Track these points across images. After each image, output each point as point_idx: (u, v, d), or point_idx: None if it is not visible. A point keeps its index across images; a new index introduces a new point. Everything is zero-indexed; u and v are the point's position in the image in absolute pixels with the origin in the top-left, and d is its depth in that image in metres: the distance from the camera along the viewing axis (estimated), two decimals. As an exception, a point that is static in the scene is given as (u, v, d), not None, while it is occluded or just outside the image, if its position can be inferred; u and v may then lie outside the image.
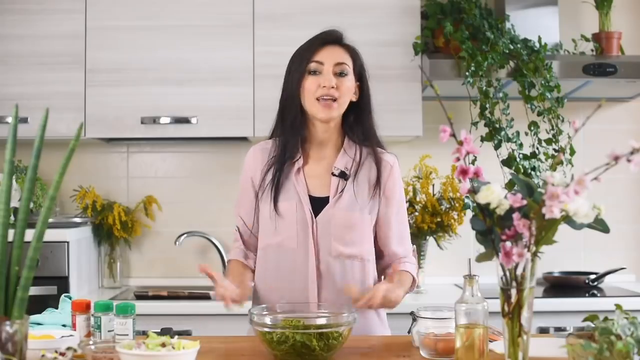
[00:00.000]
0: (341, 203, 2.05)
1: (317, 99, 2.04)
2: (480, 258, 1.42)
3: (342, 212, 2.05)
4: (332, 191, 2.07)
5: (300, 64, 2.07)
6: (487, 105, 3.06)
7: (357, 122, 2.13)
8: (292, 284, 2.05)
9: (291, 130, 2.09)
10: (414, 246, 2.20)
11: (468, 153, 1.35)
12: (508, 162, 3.05)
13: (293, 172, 2.08)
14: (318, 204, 2.07)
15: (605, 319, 1.42)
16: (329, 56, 2.06)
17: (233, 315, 2.79)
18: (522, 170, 3.01)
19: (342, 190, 2.06)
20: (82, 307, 1.81)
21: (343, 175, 2.08)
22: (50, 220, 2.84)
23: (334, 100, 2.04)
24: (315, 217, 2.05)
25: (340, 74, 2.05)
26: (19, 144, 1.42)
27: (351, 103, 2.11)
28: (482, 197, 1.34)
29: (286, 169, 2.09)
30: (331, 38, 2.10)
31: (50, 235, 2.58)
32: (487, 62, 3.00)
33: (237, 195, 2.19)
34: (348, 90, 2.07)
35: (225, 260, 3.31)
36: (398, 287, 1.97)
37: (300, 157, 2.10)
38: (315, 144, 2.12)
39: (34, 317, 1.91)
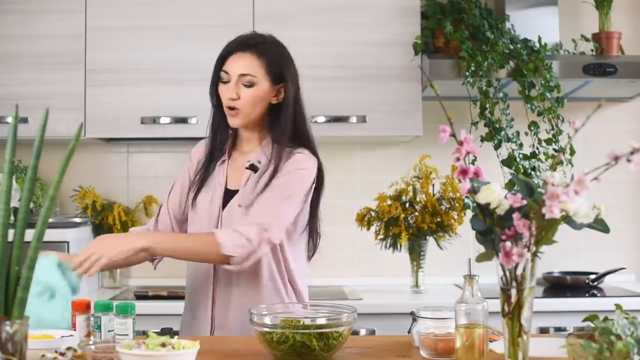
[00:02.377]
0: (243, 195, 2.07)
1: (227, 107, 2.07)
2: (480, 258, 1.42)
3: (241, 204, 2.06)
4: (242, 184, 2.10)
5: (214, 72, 2.12)
6: (487, 105, 3.05)
7: (275, 123, 2.11)
8: (196, 280, 2.11)
9: (217, 129, 2.16)
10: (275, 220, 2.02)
11: (468, 153, 1.34)
12: (508, 162, 3.05)
13: (217, 165, 2.13)
14: (233, 196, 2.10)
15: (605, 319, 1.41)
16: (234, 66, 2.06)
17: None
18: (522, 170, 3.01)
19: (246, 183, 2.08)
20: (82, 307, 1.81)
21: (253, 168, 2.10)
22: (50, 220, 2.84)
23: (236, 108, 2.06)
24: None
25: (247, 85, 2.05)
26: (19, 144, 1.42)
27: (277, 104, 2.10)
28: (482, 197, 1.34)
29: (214, 163, 2.15)
30: (241, 46, 2.08)
31: (50, 235, 2.55)
32: (487, 62, 3.00)
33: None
34: (253, 99, 2.05)
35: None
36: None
37: (226, 152, 2.15)
38: (240, 140, 2.17)
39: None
